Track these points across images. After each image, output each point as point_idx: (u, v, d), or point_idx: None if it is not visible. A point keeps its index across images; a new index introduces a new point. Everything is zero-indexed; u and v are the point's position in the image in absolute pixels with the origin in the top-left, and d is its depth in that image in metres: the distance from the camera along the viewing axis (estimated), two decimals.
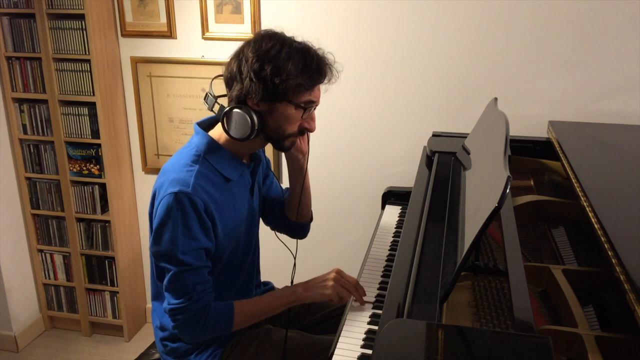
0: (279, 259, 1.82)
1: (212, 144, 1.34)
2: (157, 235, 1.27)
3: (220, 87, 1.35)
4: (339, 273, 1.40)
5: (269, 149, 1.54)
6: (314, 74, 1.27)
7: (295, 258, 1.55)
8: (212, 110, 1.33)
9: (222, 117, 1.29)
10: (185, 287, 1.27)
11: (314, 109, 1.35)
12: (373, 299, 1.39)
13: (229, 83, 1.31)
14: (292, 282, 1.48)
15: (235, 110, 1.27)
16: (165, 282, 1.29)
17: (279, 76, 1.23)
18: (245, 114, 1.27)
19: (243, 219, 1.43)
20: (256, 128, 1.28)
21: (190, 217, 1.25)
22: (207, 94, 1.34)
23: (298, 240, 1.62)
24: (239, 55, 1.28)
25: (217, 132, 1.36)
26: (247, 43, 1.29)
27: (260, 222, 1.60)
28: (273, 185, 1.62)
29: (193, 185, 1.26)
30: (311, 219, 1.66)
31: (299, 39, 1.31)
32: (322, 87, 1.34)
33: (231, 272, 1.45)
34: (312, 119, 1.37)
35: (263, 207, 1.61)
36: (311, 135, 1.45)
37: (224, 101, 1.33)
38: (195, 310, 1.29)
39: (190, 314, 1.29)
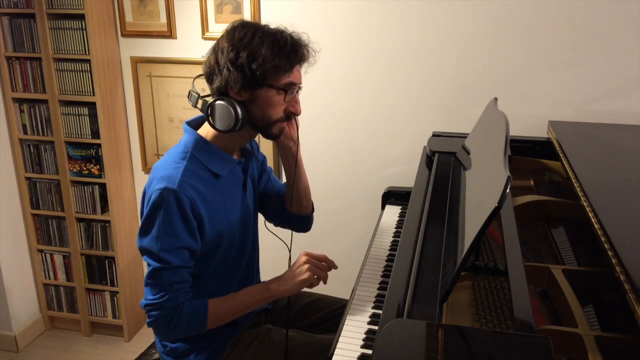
0: (278, 259, 1.81)
1: (199, 140, 1.34)
2: (142, 230, 1.29)
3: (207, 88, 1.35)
4: (309, 254, 1.39)
5: (267, 147, 1.54)
6: (290, 54, 1.28)
7: (290, 251, 1.53)
8: (196, 107, 1.34)
9: (206, 110, 1.30)
10: (162, 285, 1.29)
11: (297, 91, 1.35)
12: (373, 299, 1.39)
13: (209, 78, 1.32)
14: None
15: (218, 102, 1.28)
16: (145, 276, 1.31)
17: (255, 61, 1.24)
18: (228, 104, 1.27)
19: (236, 216, 1.42)
20: (240, 117, 1.28)
21: (174, 215, 1.25)
22: (189, 92, 1.35)
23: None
24: (214, 49, 1.31)
25: (205, 129, 1.37)
26: (222, 36, 1.30)
27: (260, 223, 1.60)
28: (270, 181, 1.62)
29: (179, 183, 1.26)
30: (312, 210, 1.66)
31: (272, 25, 1.31)
32: (302, 69, 1.34)
33: (227, 272, 1.45)
34: (297, 102, 1.37)
35: (263, 204, 1.61)
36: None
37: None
38: (168, 308, 1.29)
39: (164, 311, 1.30)
